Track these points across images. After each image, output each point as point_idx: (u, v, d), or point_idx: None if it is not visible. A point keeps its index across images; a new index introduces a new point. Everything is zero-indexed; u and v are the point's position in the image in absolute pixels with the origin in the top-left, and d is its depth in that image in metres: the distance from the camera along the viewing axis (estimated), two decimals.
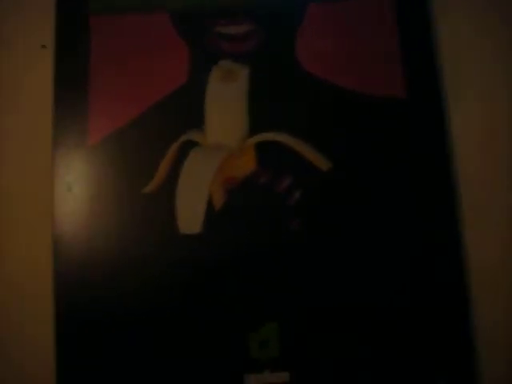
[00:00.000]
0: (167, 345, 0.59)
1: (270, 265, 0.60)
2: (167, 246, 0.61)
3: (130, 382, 0.59)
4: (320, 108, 0.63)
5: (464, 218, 0.62)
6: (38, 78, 0.66)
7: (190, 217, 0.61)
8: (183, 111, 0.64)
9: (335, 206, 0.61)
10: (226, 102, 0.64)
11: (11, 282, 0.62)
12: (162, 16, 0.67)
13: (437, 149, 0.63)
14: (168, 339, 0.59)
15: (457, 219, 0.62)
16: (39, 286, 0.61)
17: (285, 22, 0.66)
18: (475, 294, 0.60)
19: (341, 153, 0.62)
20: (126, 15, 0.67)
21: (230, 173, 0.62)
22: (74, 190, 0.62)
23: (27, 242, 0.63)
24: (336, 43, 0.65)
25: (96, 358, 0.59)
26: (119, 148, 0.63)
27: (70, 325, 0.60)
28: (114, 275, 0.60)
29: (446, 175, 0.62)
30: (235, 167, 0.62)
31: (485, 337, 0.60)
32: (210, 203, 0.61)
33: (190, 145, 0.63)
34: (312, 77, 0.64)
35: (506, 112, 0.65)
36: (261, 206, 0.61)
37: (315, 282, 0.60)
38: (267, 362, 0.59)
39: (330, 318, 0.59)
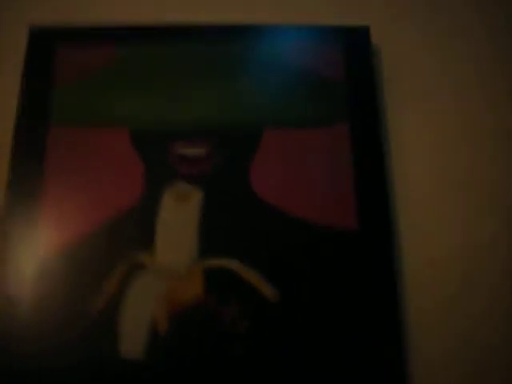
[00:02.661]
0: None
1: None
2: (107, 369, 0.59)
3: None
4: (271, 236, 0.63)
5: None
6: None
7: (132, 341, 0.60)
8: (134, 231, 0.63)
9: (281, 337, 0.60)
10: (178, 225, 0.63)
11: None
12: (121, 132, 0.67)
13: (386, 281, 0.62)
14: None
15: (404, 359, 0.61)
16: None
17: (241, 146, 0.66)
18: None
19: (290, 283, 0.61)
20: (87, 130, 0.67)
21: (177, 298, 0.61)
22: (21, 305, 0.61)
23: None
24: (290, 171, 0.65)
25: None
26: (68, 263, 0.62)
27: None
28: None
29: (394, 309, 0.61)
30: (182, 292, 0.61)
31: None
32: (154, 329, 0.60)
33: (138, 266, 0.62)
34: (265, 204, 0.64)
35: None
36: (206, 335, 0.60)
37: None
38: None
39: None
